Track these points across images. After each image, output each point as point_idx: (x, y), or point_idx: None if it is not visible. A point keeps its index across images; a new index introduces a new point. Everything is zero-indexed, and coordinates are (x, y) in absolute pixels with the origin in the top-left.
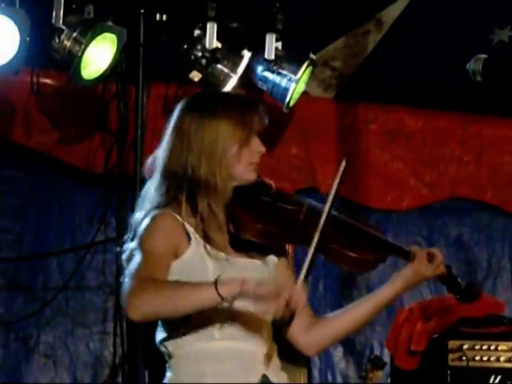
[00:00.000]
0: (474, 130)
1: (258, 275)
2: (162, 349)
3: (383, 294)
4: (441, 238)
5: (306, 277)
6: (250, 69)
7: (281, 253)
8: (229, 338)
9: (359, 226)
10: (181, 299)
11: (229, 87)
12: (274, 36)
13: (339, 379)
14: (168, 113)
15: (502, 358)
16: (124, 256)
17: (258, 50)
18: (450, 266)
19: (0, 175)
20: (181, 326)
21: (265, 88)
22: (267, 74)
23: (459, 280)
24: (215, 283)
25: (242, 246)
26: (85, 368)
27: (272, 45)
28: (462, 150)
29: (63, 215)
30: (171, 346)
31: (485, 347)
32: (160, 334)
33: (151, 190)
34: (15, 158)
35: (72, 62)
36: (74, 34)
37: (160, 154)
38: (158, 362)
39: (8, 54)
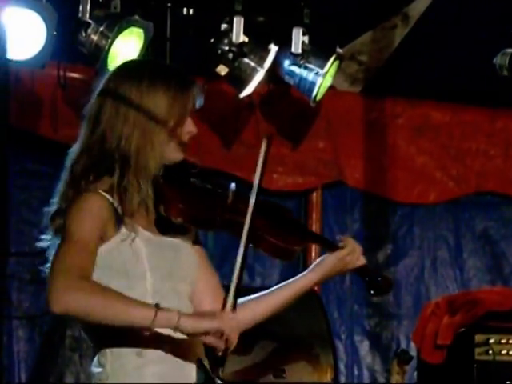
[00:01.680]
0: (500, 123)
1: (185, 256)
2: (87, 338)
3: (301, 283)
4: (467, 232)
5: (235, 303)
6: (276, 63)
7: (195, 238)
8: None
9: (285, 216)
10: (114, 311)
11: (256, 81)
12: (300, 30)
13: (365, 373)
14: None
15: None
16: (45, 244)
17: (284, 44)
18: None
19: (26, 169)
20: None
21: (292, 82)
22: (294, 68)
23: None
24: (156, 310)
25: (164, 224)
26: None
27: (299, 39)
28: (488, 143)
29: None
30: (100, 339)
31: (511, 341)
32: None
33: (79, 165)
34: (41, 152)
35: (99, 55)
36: (101, 28)
37: (90, 117)
38: None
39: (35, 47)
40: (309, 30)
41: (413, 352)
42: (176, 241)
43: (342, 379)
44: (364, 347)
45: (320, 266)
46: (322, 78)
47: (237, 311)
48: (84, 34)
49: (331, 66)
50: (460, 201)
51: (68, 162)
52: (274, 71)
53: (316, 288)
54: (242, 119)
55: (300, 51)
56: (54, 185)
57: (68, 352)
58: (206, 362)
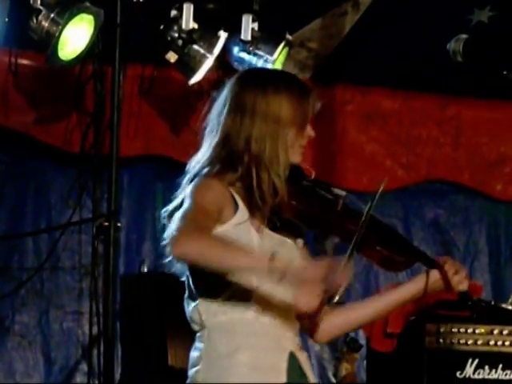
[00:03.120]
0: (451, 111)
1: (288, 255)
2: (195, 316)
3: (405, 293)
4: (417, 220)
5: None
6: (226, 50)
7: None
8: (265, 310)
9: (394, 230)
10: (231, 255)
11: (205, 68)
12: (250, 17)
13: (314, 361)
14: (144, 93)
15: (479, 341)
16: (165, 213)
17: (234, 30)
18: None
19: None
20: (218, 293)
21: (241, 69)
22: (243, 54)
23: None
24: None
25: (280, 222)
26: (59, 348)
27: (248, 26)
28: (439, 131)
29: (39, 195)
30: (205, 314)
31: (462, 330)
32: (194, 301)
33: (203, 157)
34: None
35: (49, 42)
36: (52, 15)
37: (219, 124)
38: (134, 341)
39: None
40: (258, 16)
41: (362, 340)
42: (285, 239)
43: None
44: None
45: (422, 279)
46: (271, 64)
47: None
48: (35, 21)
49: (281, 53)
50: (410, 189)
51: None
52: (224, 58)
53: None
54: (191, 106)
55: (249, 38)
56: (3, 170)
57: (17, 338)
58: (299, 355)
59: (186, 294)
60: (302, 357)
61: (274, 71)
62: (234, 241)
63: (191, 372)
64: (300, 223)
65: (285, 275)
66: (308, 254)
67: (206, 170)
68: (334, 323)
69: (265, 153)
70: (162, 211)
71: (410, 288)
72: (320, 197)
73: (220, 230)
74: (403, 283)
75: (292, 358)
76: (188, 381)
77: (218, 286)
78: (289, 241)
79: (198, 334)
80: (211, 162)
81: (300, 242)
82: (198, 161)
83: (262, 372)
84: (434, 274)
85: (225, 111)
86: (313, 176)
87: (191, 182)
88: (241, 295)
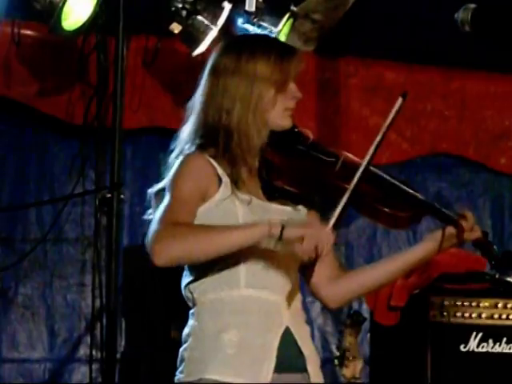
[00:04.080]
0: (456, 84)
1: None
2: (187, 294)
3: (414, 253)
4: (421, 194)
5: (335, 225)
6: (230, 21)
7: (311, 204)
8: (255, 285)
9: (395, 183)
10: (217, 239)
11: (209, 39)
12: None
13: (317, 334)
14: (147, 65)
15: (483, 315)
16: (151, 192)
17: (238, 1)
18: (486, 232)
19: None
20: (207, 270)
21: None
22: (247, 26)
23: (495, 247)
24: (282, 228)
25: (274, 192)
26: (62, 320)
27: None
28: (443, 104)
29: (42, 167)
30: (196, 291)
31: (466, 303)
32: (186, 279)
33: (185, 134)
34: None
35: (53, 13)
36: None
37: (197, 97)
38: (137, 314)
39: None
40: None
41: (366, 314)
42: (284, 208)
43: None
44: (315, 308)
45: (432, 239)
46: (275, 36)
47: None
48: None
49: (285, 25)
50: (414, 162)
51: (175, 141)
52: (228, 29)
53: None
54: (194, 78)
55: (254, 9)
56: (6, 142)
57: (20, 309)
58: (298, 330)
59: (183, 272)
60: (302, 332)
61: (254, 36)
62: (218, 217)
63: (181, 349)
64: (296, 190)
65: (281, 232)
66: (316, 216)
67: (187, 146)
68: (343, 288)
69: (232, 124)
70: (149, 190)
71: (424, 247)
72: (315, 160)
73: (202, 208)
74: (416, 244)
75: (287, 334)
76: (178, 357)
77: (209, 263)
78: (288, 209)
79: (190, 311)
80: (192, 137)
81: (301, 208)
82: (181, 137)
83: (249, 352)
84: (449, 230)
85: (202, 83)
86: (311, 138)
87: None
88: (230, 272)
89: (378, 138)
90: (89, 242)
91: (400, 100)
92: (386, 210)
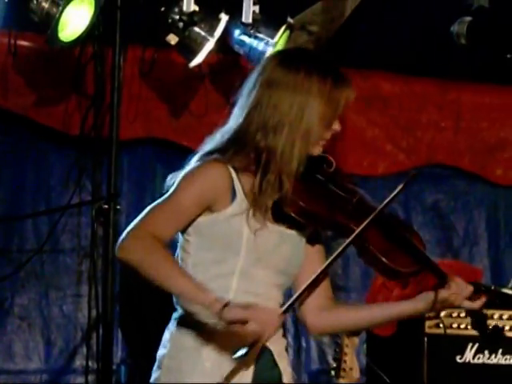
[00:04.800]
0: (451, 95)
1: (288, 248)
2: (175, 297)
3: (402, 308)
4: (417, 205)
5: (289, 309)
6: (227, 32)
7: (316, 238)
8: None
9: (403, 235)
10: (164, 276)
11: (206, 51)
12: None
13: (313, 345)
14: (144, 76)
15: None
16: (170, 181)
17: (235, 13)
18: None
19: None
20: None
21: (241, 52)
22: (244, 37)
23: (486, 322)
24: (224, 305)
25: (281, 216)
26: (58, 330)
27: (249, 8)
28: (439, 115)
29: (38, 177)
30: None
31: (462, 315)
32: None
33: (218, 137)
34: None
35: (49, 23)
36: None
37: (241, 105)
38: (133, 324)
39: None
40: None
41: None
42: (288, 232)
43: (290, 352)
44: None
45: (423, 300)
46: (272, 47)
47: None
48: (35, 2)
49: (281, 36)
50: (410, 173)
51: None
52: (224, 41)
53: None
54: (191, 89)
55: (250, 21)
56: (2, 152)
57: (17, 320)
58: (275, 345)
59: None
60: (278, 347)
61: (313, 53)
62: (223, 232)
63: (159, 352)
64: (303, 222)
65: (221, 317)
66: (320, 250)
67: (215, 154)
68: (329, 320)
69: (279, 143)
70: (168, 178)
71: (414, 306)
72: (330, 193)
73: (208, 219)
74: (404, 301)
75: (265, 349)
76: (156, 360)
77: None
78: (293, 233)
79: (174, 316)
80: (225, 145)
81: (303, 235)
82: (215, 140)
83: (227, 367)
84: (442, 294)
85: (254, 91)
86: (333, 167)
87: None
88: (218, 289)
89: (396, 192)
90: (85, 253)
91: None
92: (388, 262)
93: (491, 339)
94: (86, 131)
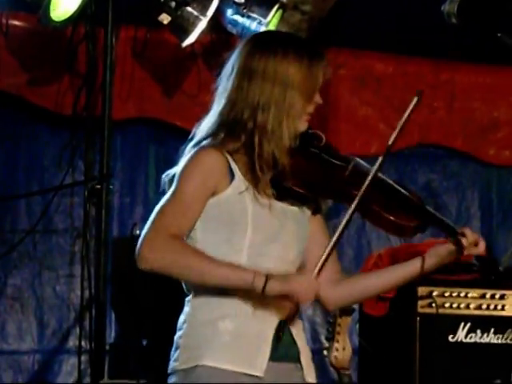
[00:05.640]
0: (445, 75)
1: (293, 223)
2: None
3: (414, 267)
4: (410, 185)
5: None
6: (219, 12)
7: (316, 208)
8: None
9: (402, 192)
10: (200, 271)
11: (198, 30)
12: None
13: (306, 325)
14: (137, 56)
15: (471, 305)
16: (166, 178)
17: None
18: (489, 247)
19: None
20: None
21: (234, 31)
22: (237, 17)
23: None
24: (266, 278)
25: (282, 192)
26: (51, 311)
27: None
28: (432, 95)
29: (31, 158)
30: None
31: (454, 294)
32: None
33: (206, 125)
34: None
35: (41, 3)
36: None
37: (222, 90)
38: (126, 305)
39: None
40: None
41: (355, 305)
42: (290, 208)
43: None
44: None
45: (434, 255)
46: (264, 27)
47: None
48: None
49: (274, 16)
50: (403, 153)
51: (195, 130)
52: (217, 20)
53: None
54: (183, 69)
55: (243, 0)
56: None
57: (9, 301)
58: (292, 324)
59: None
60: (296, 325)
61: (285, 35)
62: (227, 213)
63: (176, 336)
64: (304, 192)
65: (264, 294)
66: (321, 220)
67: (207, 141)
68: (341, 293)
69: (268, 121)
70: (163, 175)
71: (427, 261)
72: (326, 163)
73: (215, 200)
74: (414, 259)
75: (282, 326)
76: (173, 345)
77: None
78: (295, 209)
79: (186, 299)
80: (215, 130)
81: (306, 210)
82: (203, 128)
83: (245, 340)
84: (451, 246)
85: (232, 76)
86: (323, 141)
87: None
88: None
89: (390, 143)
90: (78, 233)
91: (415, 99)
92: (392, 218)
93: (504, 279)
94: (78, 111)
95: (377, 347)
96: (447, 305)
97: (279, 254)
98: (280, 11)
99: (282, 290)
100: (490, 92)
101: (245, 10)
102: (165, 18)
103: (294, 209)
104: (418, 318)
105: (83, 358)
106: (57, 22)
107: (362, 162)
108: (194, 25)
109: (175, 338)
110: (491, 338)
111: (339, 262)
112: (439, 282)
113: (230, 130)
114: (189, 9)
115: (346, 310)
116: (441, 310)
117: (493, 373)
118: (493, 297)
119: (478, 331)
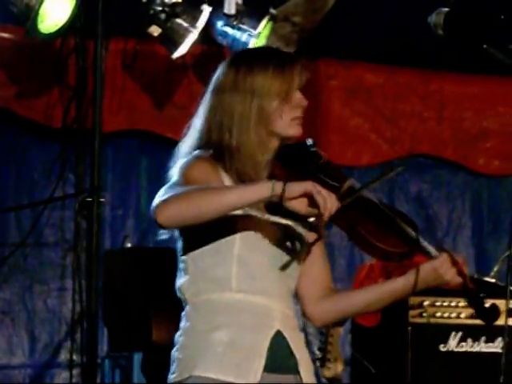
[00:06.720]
0: (434, 86)
1: (285, 238)
2: (180, 295)
3: (396, 285)
4: (401, 195)
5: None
6: (209, 24)
7: (310, 225)
8: (246, 290)
9: (392, 217)
10: (218, 196)
11: (189, 42)
12: None
13: None
14: (127, 68)
15: (462, 315)
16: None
17: (218, 4)
18: (476, 279)
19: None
20: (200, 273)
21: (225, 43)
22: (227, 28)
23: (483, 299)
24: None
25: (275, 207)
26: (42, 324)
27: None
28: (422, 105)
29: (21, 171)
30: (188, 292)
31: (445, 304)
32: (179, 280)
33: (185, 149)
34: None
35: (29, 15)
36: None
37: (198, 114)
38: (118, 319)
39: None
40: None
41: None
42: (284, 221)
43: None
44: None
45: (414, 273)
46: (255, 38)
47: None
48: None
49: (265, 27)
50: (394, 163)
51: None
52: (207, 32)
53: None
54: (174, 80)
55: (233, 12)
56: None
57: (0, 314)
58: (291, 335)
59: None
60: (295, 337)
61: (253, 50)
62: (213, 221)
63: (173, 350)
64: (297, 210)
65: (285, 197)
66: (319, 247)
67: (197, 152)
68: (328, 308)
69: (234, 138)
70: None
71: (404, 282)
72: (321, 182)
73: None
74: (397, 278)
75: (278, 336)
76: (171, 359)
77: (201, 266)
78: (286, 222)
79: (182, 313)
80: (202, 146)
81: (300, 228)
82: (181, 152)
83: (238, 350)
84: (430, 265)
85: (204, 99)
86: (324, 159)
87: None
88: (223, 276)
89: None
90: (69, 246)
91: (400, 169)
92: (379, 244)
93: (489, 316)
94: (68, 124)
95: (369, 357)
96: (438, 314)
97: (269, 263)
98: (270, 23)
99: (304, 189)
100: (480, 102)
101: (235, 22)
102: (155, 30)
103: (286, 221)
104: (410, 328)
105: (75, 371)
106: (45, 35)
107: (357, 183)
108: (184, 37)
109: (172, 352)
110: (482, 346)
111: (330, 278)
112: (430, 292)
113: (215, 149)
114: (179, 21)
115: (338, 322)
116: (432, 320)
117: (484, 382)
118: None
119: (469, 340)
